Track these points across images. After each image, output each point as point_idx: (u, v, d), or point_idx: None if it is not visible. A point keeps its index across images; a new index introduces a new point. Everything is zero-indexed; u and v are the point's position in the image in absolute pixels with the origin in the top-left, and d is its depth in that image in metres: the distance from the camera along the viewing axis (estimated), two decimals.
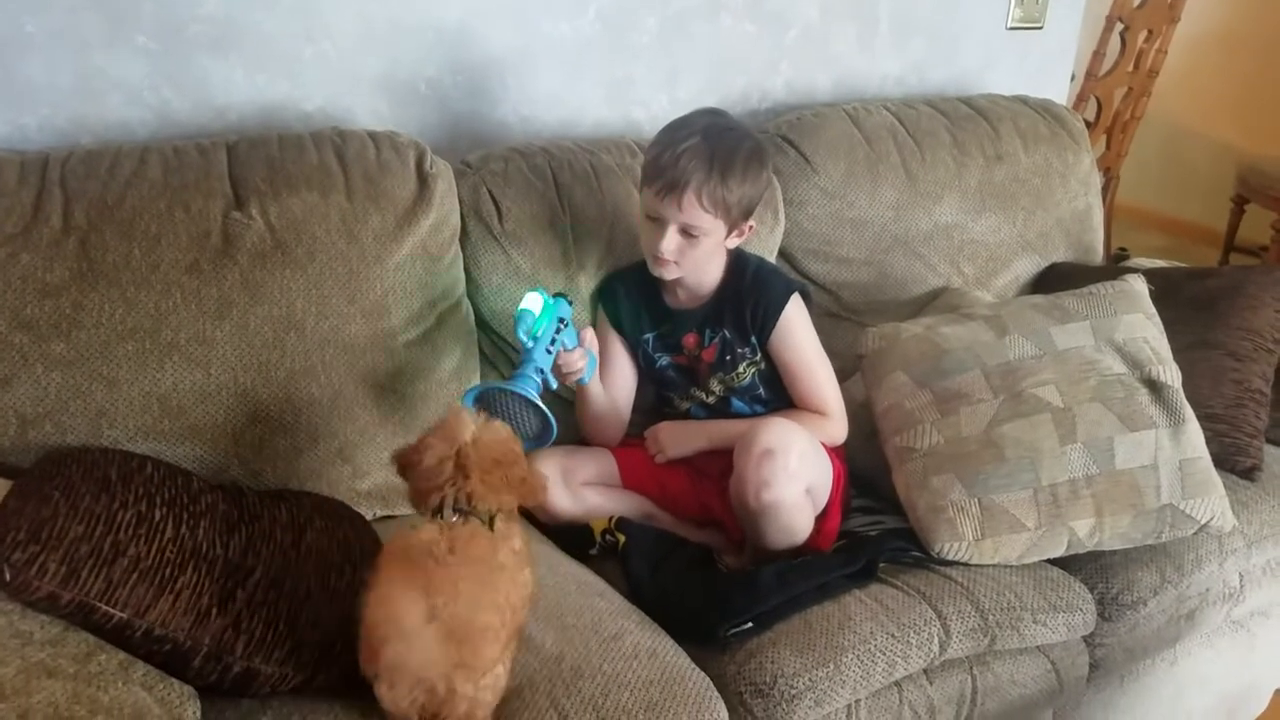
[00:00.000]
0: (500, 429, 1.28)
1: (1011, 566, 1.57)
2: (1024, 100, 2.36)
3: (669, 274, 1.66)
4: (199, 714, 1.18)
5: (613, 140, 1.94)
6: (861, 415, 1.79)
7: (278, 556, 1.32)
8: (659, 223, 1.60)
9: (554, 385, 1.53)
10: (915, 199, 2.11)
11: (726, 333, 1.72)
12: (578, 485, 1.70)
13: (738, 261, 1.74)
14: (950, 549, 1.54)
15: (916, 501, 1.58)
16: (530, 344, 1.51)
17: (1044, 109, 2.34)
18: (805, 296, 1.76)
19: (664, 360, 1.78)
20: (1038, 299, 1.77)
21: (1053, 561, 1.61)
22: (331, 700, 1.22)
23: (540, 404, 1.44)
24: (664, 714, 1.25)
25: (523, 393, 1.43)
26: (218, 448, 1.51)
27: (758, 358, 1.72)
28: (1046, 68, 2.65)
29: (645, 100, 2.11)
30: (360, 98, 1.84)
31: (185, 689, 1.18)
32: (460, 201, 1.75)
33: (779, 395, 1.75)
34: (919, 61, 2.43)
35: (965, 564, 1.56)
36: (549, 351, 1.52)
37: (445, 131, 1.93)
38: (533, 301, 1.53)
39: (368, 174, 1.64)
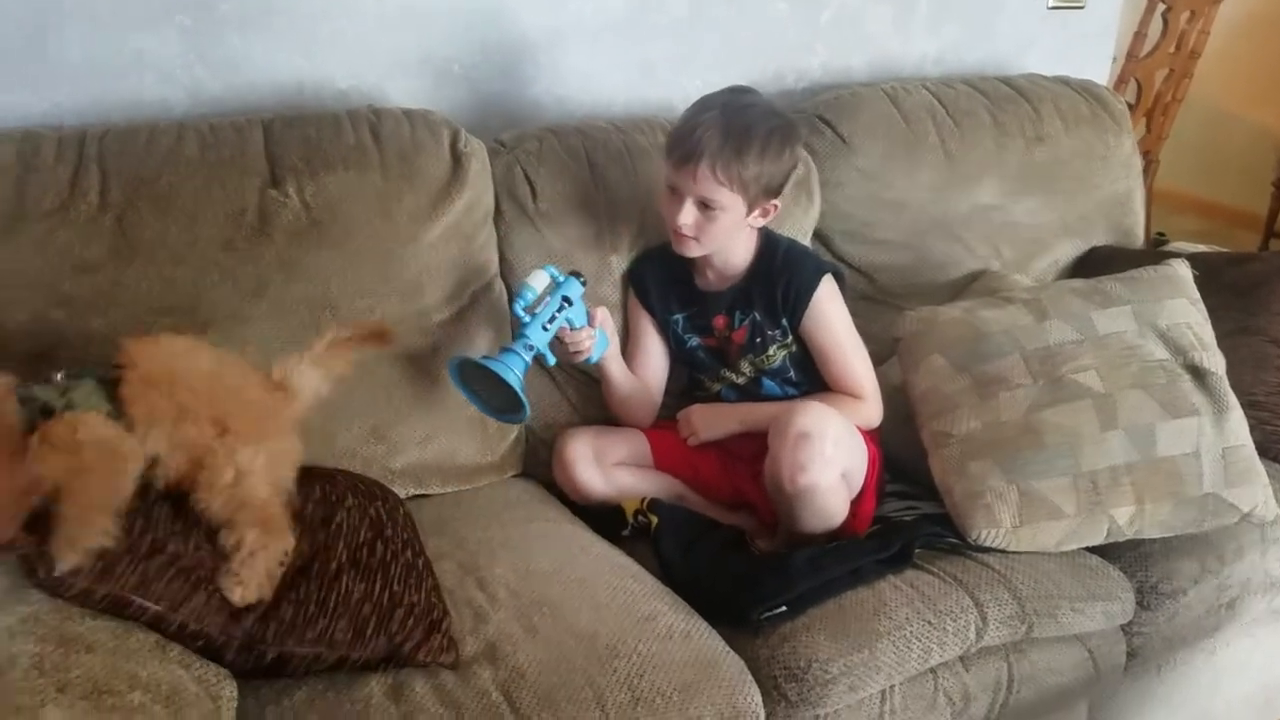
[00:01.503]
0: None
1: (1049, 554, 1.56)
2: (1065, 81, 2.32)
3: (690, 251, 1.66)
4: (235, 693, 1.18)
5: (646, 120, 1.92)
6: (896, 399, 1.77)
7: (307, 536, 1.31)
8: (677, 195, 1.60)
9: (550, 362, 1.57)
10: (954, 180, 2.08)
11: (756, 315, 1.70)
12: (609, 465, 1.70)
13: (768, 242, 1.73)
14: (987, 535, 1.52)
15: (953, 487, 1.56)
16: (526, 320, 1.54)
17: (1085, 90, 2.30)
18: (839, 278, 1.74)
19: (694, 341, 1.77)
20: (1078, 283, 1.74)
21: (1091, 549, 1.59)
22: (367, 675, 1.22)
23: (512, 382, 1.46)
24: (698, 696, 1.25)
25: (495, 370, 1.46)
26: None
27: (788, 340, 1.71)
28: (1087, 48, 2.60)
29: (678, 81, 2.09)
30: (394, 77, 1.84)
31: (221, 670, 1.18)
32: (494, 181, 1.74)
33: (811, 378, 1.73)
34: (957, 42, 2.39)
35: (1002, 551, 1.54)
36: (545, 329, 1.53)
37: (478, 111, 1.92)
38: (536, 278, 1.56)
39: (402, 152, 1.63)
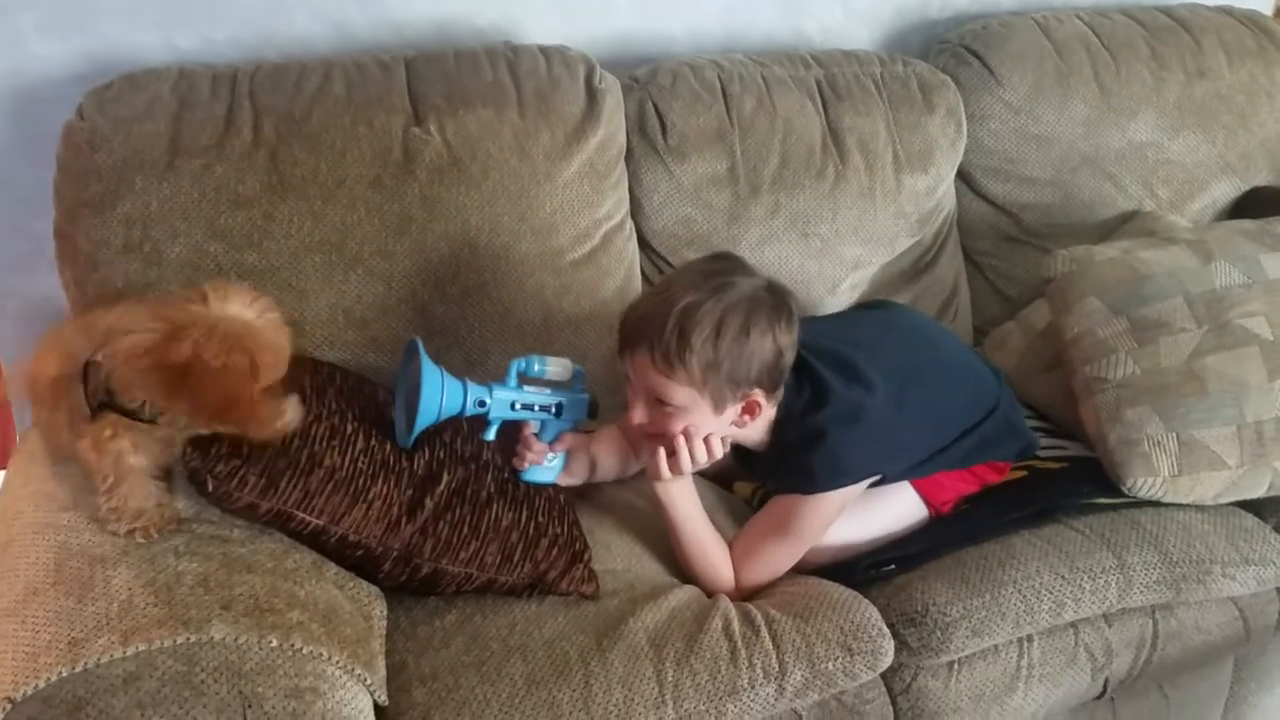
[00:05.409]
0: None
1: (1205, 512, 1.51)
2: (1229, 11, 2.19)
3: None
4: (385, 613, 1.23)
5: (785, 52, 1.87)
6: (1039, 345, 1.72)
7: (459, 467, 1.35)
8: (630, 387, 1.34)
9: (487, 438, 1.36)
10: (1108, 115, 1.98)
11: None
12: None
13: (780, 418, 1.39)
14: (1144, 485, 1.47)
15: (1108, 434, 1.50)
16: (511, 385, 1.34)
17: (1251, 21, 2.17)
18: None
19: None
20: (1246, 224, 1.66)
21: (1247, 505, 1.54)
22: (511, 601, 1.27)
23: (426, 406, 1.26)
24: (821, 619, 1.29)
25: (426, 385, 1.26)
26: (397, 360, 1.54)
27: None
28: None
29: (817, 12, 2.02)
30: (531, 13, 1.83)
31: (373, 589, 1.23)
32: (626, 117, 1.71)
33: None
34: None
35: (1157, 504, 1.50)
36: (514, 408, 1.34)
37: (613, 46, 1.89)
38: (559, 367, 1.36)
39: (539, 90, 1.62)
